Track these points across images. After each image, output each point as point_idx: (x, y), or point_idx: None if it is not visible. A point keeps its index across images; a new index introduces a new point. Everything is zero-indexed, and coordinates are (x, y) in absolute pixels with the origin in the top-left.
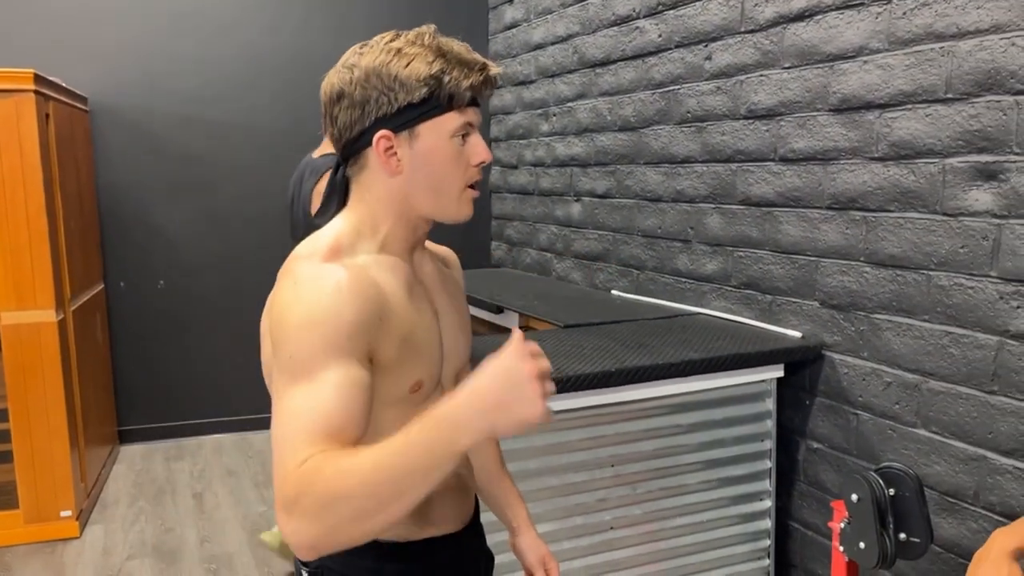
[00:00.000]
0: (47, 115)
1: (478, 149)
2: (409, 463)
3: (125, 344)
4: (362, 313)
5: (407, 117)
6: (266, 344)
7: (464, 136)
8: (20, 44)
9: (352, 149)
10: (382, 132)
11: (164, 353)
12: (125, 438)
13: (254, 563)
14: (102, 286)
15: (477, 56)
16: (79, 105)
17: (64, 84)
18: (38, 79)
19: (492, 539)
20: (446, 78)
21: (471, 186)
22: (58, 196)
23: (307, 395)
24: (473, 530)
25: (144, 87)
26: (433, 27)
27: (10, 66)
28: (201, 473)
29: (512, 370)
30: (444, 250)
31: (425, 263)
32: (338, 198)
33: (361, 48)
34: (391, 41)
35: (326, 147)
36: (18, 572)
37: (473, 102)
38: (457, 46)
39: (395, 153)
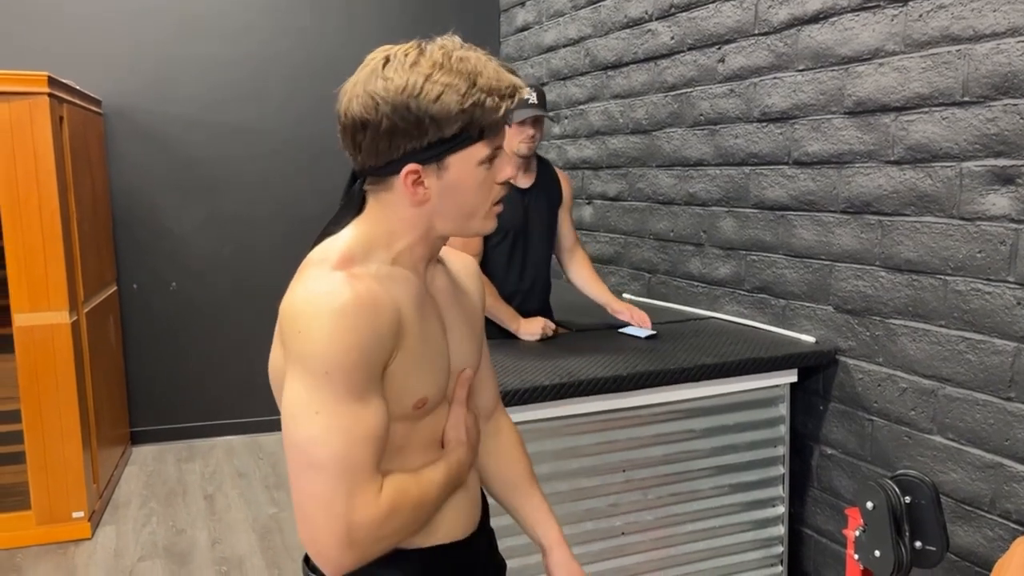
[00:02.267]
0: (61, 118)
1: (504, 167)
2: (443, 495)
3: (137, 346)
4: (383, 326)
5: (437, 151)
6: (279, 349)
7: (491, 159)
8: (34, 47)
9: (376, 174)
10: (411, 166)
11: (176, 355)
12: (137, 439)
13: (264, 565)
14: (115, 288)
15: (506, 76)
16: (93, 108)
17: (78, 87)
18: (52, 82)
19: (504, 544)
20: (478, 111)
21: (497, 201)
22: (72, 198)
23: (365, 416)
24: (481, 536)
25: (157, 90)
26: (458, 41)
27: (24, 69)
28: (212, 475)
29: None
30: (461, 258)
31: (437, 276)
32: (354, 209)
33: (384, 67)
34: (416, 63)
35: None
36: (30, 573)
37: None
38: (486, 66)
39: (422, 183)
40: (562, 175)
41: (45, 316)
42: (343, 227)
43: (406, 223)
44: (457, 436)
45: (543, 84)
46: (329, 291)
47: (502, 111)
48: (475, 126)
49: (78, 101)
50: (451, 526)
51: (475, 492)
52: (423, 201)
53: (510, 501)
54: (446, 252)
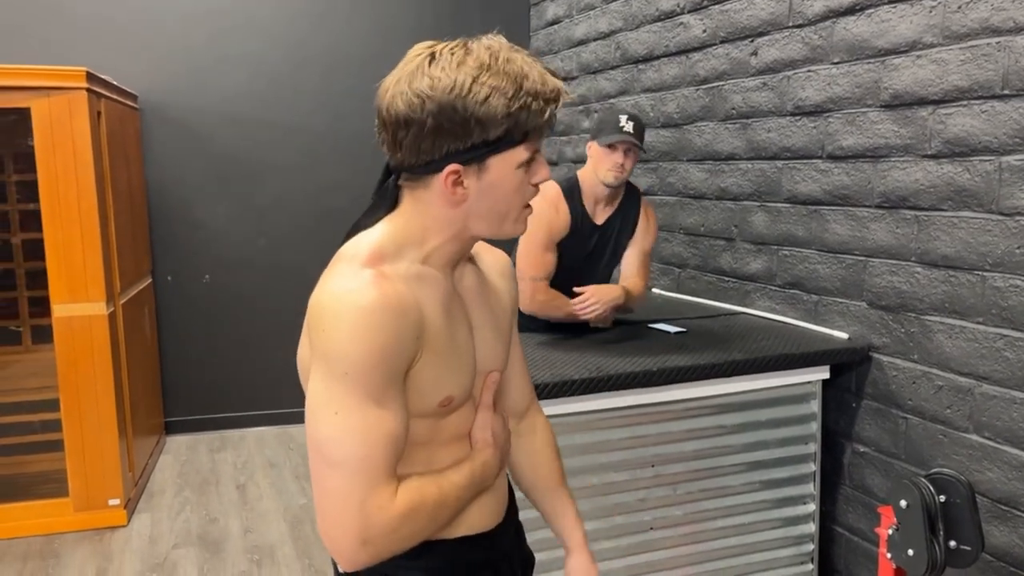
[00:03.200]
0: (99, 113)
1: (539, 168)
2: (464, 499)
3: (172, 337)
4: (407, 328)
5: (480, 153)
6: (306, 344)
7: (530, 162)
8: (73, 44)
9: (414, 171)
10: (452, 167)
11: (209, 346)
12: (171, 429)
13: (295, 554)
14: (150, 280)
15: (551, 80)
16: (129, 103)
17: (115, 83)
18: (90, 77)
19: (533, 537)
20: (524, 115)
21: (527, 204)
22: (109, 192)
23: (383, 419)
24: (508, 528)
25: (192, 85)
26: (503, 41)
27: (63, 65)
28: (244, 465)
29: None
30: (494, 254)
31: (466, 276)
32: (387, 204)
33: (429, 65)
34: (462, 62)
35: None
36: (67, 559)
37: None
38: (532, 68)
39: (462, 183)
40: (648, 211)
41: (83, 307)
42: (375, 222)
43: (440, 222)
44: (484, 438)
45: (573, 78)
46: (355, 290)
47: (546, 115)
48: (519, 130)
49: (115, 96)
50: (475, 517)
51: (501, 485)
52: (460, 201)
53: (538, 500)
54: (479, 248)
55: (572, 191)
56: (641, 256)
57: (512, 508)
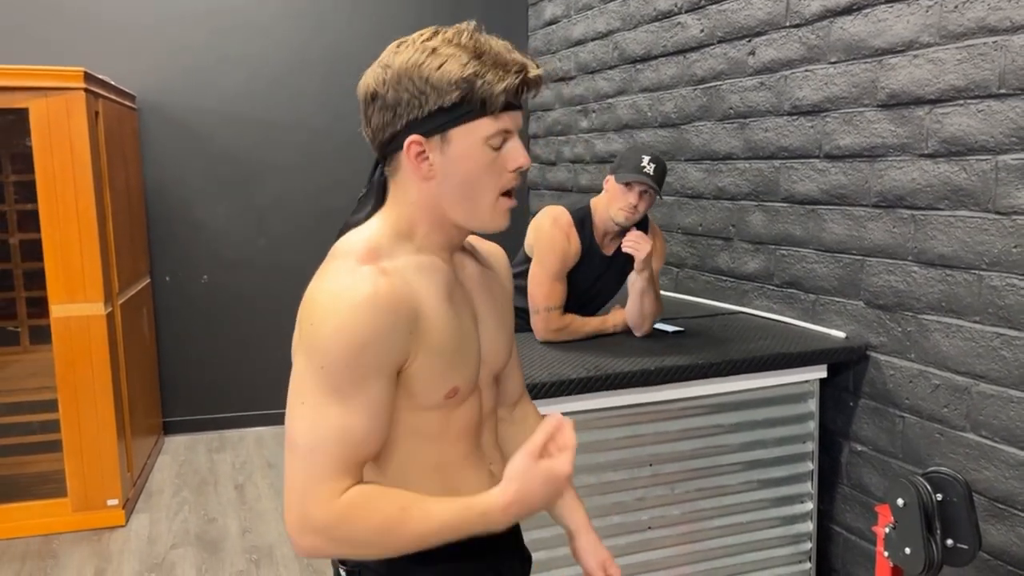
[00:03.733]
0: (97, 113)
1: (515, 154)
2: (436, 535)
3: (170, 337)
4: (395, 328)
5: (438, 122)
6: (296, 333)
7: (501, 142)
8: (71, 44)
9: (386, 151)
10: (413, 137)
11: (207, 346)
12: (169, 429)
13: (294, 554)
14: (148, 280)
15: (517, 56)
16: (127, 103)
17: (113, 83)
18: (88, 77)
19: (529, 536)
20: (479, 82)
21: (506, 194)
22: (107, 192)
23: (341, 416)
24: (508, 529)
25: (190, 85)
26: (473, 24)
27: (61, 65)
28: (243, 465)
29: (560, 480)
30: (491, 248)
31: (467, 264)
32: (376, 197)
33: (398, 46)
34: (428, 40)
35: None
36: (65, 559)
37: (510, 106)
38: (497, 45)
39: (427, 158)
40: (656, 237)
41: (81, 307)
42: (366, 216)
43: (421, 208)
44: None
45: (571, 78)
46: (348, 287)
47: (504, 84)
48: (476, 97)
49: (113, 96)
50: None
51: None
52: (429, 177)
53: None
54: (475, 240)
55: (584, 221)
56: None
57: None
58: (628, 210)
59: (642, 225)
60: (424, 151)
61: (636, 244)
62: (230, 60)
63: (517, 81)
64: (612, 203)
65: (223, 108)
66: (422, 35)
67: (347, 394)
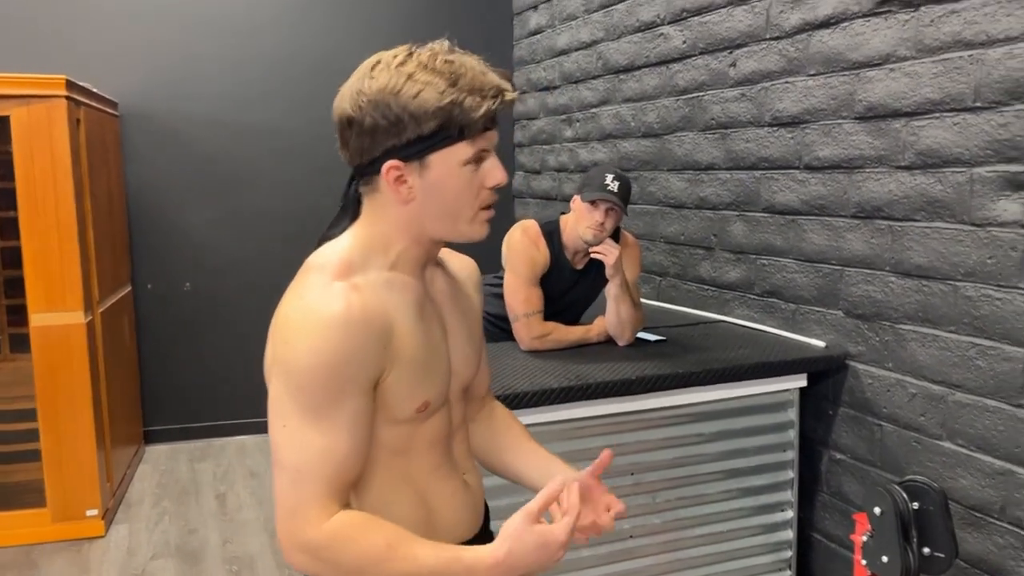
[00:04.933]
0: (78, 120)
1: (493, 172)
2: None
3: (151, 345)
4: (370, 343)
5: (417, 148)
6: (269, 350)
7: (478, 161)
8: (52, 51)
9: (364, 172)
10: (391, 163)
11: (189, 355)
12: (150, 438)
13: (275, 565)
14: (130, 288)
15: (492, 78)
16: (109, 110)
17: (95, 90)
18: (70, 85)
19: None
20: (456, 110)
21: (486, 207)
22: (88, 200)
23: (323, 436)
24: (483, 540)
25: (172, 92)
26: (447, 44)
27: (42, 72)
28: (224, 474)
29: (554, 548)
30: (462, 260)
31: (437, 279)
32: (351, 212)
33: (372, 68)
34: (402, 64)
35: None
36: (44, 570)
37: (487, 127)
38: (472, 67)
39: (405, 181)
40: (628, 254)
41: (61, 316)
42: (342, 230)
43: (399, 226)
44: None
45: (555, 87)
46: (321, 304)
47: (482, 111)
48: (454, 124)
49: (95, 103)
50: (454, 526)
51: (479, 494)
52: (408, 200)
53: (514, 463)
54: (446, 253)
55: (552, 233)
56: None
57: (486, 522)
58: (595, 228)
59: (613, 237)
60: (403, 175)
61: (604, 250)
62: (212, 67)
63: (495, 106)
64: (580, 222)
65: (205, 115)
66: (396, 57)
67: (327, 413)
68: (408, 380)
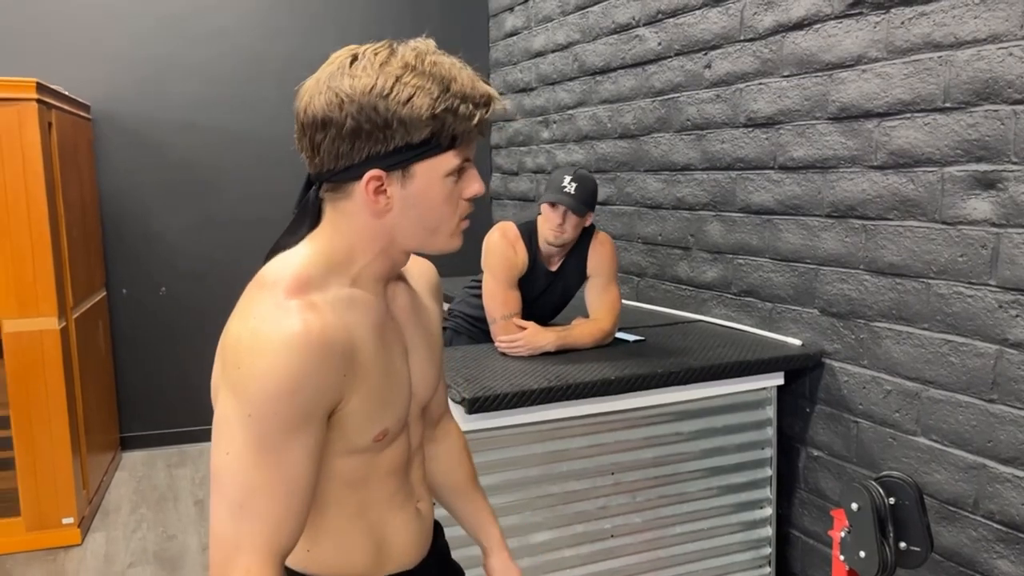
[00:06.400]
0: (50, 124)
1: (471, 182)
2: None
3: (127, 351)
4: (329, 370)
5: (403, 157)
6: (217, 371)
7: (460, 172)
8: (23, 53)
9: (334, 178)
10: (373, 172)
11: (165, 360)
12: (127, 445)
13: None
14: (104, 293)
15: (481, 85)
16: (81, 113)
17: (67, 93)
18: (41, 88)
19: (459, 553)
20: (450, 118)
21: (464, 217)
22: (60, 204)
23: (271, 471)
24: (431, 559)
25: (146, 94)
26: (432, 44)
27: (13, 75)
28: (203, 480)
29: None
30: (420, 265)
31: (398, 295)
32: (310, 219)
33: (351, 65)
34: (386, 62)
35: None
36: None
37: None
38: (461, 71)
39: (384, 191)
40: (598, 245)
41: (34, 322)
42: (298, 240)
43: (366, 237)
44: None
45: (532, 89)
46: (275, 326)
47: (476, 120)
48: (446, 134)
49: (67, 107)
50: (402, 556)
51: (429, 520)
52: (384, 212)
53: (454, 504)
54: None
55: (531, 235)
56: (599, 290)
57: (438, 535)
58: (556, 230)
59: (585, 237)
60: (383, 185)
61: (512, 348)
62: (185, 69)
63: (486, 114)
64: (543, 224)
65: (179, 117)
66: (377, 54)
67: (276, 445)
68: (367, 408)
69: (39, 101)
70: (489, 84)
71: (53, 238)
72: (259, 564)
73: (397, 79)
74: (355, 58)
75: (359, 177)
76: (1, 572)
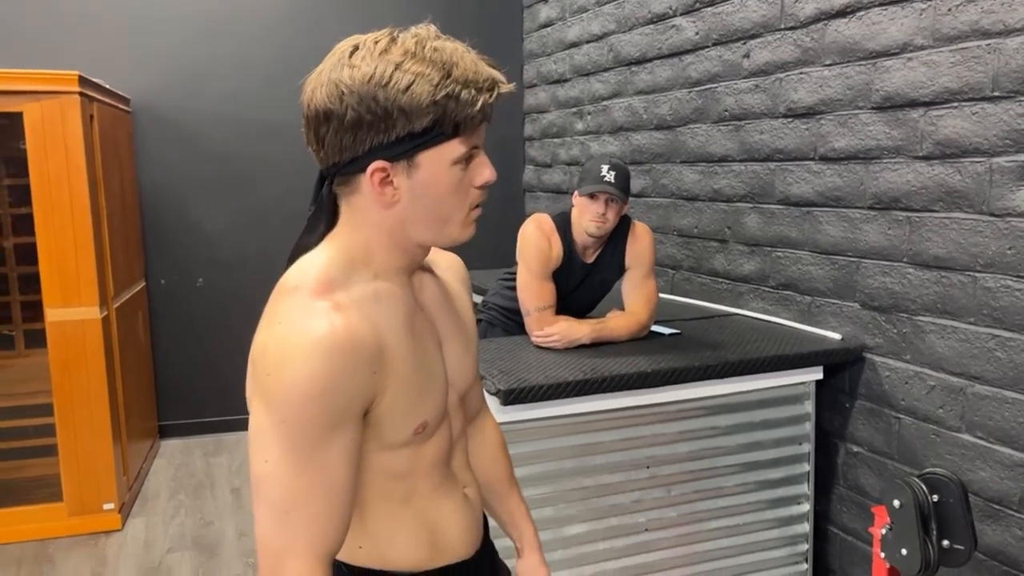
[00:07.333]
0: (91, 116)
1: (482, 170)
2: None
3: (165, 341)
4: (359, 370)
5: (406, 147)
6: (250, 380)
7: (468, 160)
8: (65, 47)
9: (341, 171)
10: (377, 163)
11: (203, 350)
12: (165, 433)
13: None
14: (144, 284)
15: (484, 68)
16: (122, 106)
17: (108, 86)
18: (83, 81)
19: (500, 543)
20: (452, 104)
21: (475, 206)
22: (102, 196)
23: (311, 475)
24: (485, 553)
25: (185, 88)
26: (434, 30)
27: (56, 68)
28: (239, 468)
29: None
30: (446, 257)
31: (426, 285)
32: (326, 216)
33: (351, 56)
34: (386, 50)
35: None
36: (61, 564)
37: (481, 121)
38: (463, 56)
39: (391, 182)
40: (636, 236)
41: (76, 311)
42: (316, 238)
43: (380, 232)
44: None
45: (566, 80)
46: (302, 330)
47: (479, 105)
48: (448, 121)
49: (108, 100)
50: (458, 545)
51: (478, 506)
52: (392, 203)
53: (489, 501)
54: (432, 252)
55: (565, 227)
56: (636, 282)
57: (487, 532)
58: (598, 219)
59: (622, 228)
60: (388, 176)
61: (548, 341)
62: (224, 62)
63: (491, 98)
64: (582, 216)
65: (218, 110)
66: (377, 42)
67: (313, 449)
68: (403, 402)
69: (81, 94)
70: (497, 69)
71: (95, 229)
72: (309, 567)
73: (396, 67)
74: (356, 48)
75: (364, 169)
76: (44, 556)
